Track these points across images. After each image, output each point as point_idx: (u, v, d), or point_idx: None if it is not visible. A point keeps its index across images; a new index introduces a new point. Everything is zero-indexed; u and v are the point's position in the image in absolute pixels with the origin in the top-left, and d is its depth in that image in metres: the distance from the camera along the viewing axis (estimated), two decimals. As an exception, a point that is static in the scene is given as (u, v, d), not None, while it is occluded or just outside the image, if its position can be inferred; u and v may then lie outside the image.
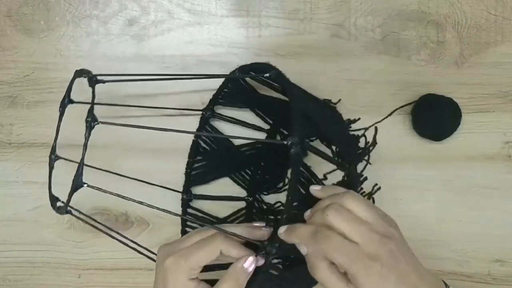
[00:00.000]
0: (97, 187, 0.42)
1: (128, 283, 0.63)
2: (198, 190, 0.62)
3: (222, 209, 0.62)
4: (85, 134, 0.41)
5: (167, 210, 0.44)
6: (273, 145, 0.62)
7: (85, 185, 0.42)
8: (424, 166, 0.60)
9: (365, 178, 0.57)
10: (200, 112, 0.61)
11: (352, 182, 0.54)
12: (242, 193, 0.62)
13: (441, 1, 0.60)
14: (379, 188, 0.58)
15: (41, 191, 0.63)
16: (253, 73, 0.55)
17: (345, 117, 0.60)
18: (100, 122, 0.42)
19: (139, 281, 0.62)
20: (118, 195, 0.43)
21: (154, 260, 0.47)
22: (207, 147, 0.62)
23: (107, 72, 0.62)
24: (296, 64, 0.61)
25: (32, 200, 0.63)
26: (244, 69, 0.55)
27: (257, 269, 0.44)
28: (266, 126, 0.62)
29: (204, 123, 0.61)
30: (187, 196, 0.61)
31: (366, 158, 0.58)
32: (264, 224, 0.49)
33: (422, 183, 0.60)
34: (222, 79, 0.59)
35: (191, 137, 0.62)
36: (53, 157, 0.47)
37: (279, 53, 0.62)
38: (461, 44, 0.61)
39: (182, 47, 0.62)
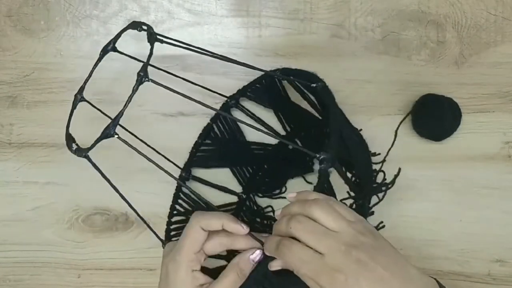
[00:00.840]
0: (127, 142, 0.41)
1: (128, 283, 0.63)
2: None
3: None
4: (133, 87, 0.40)
5: (169, 173, 0.44)
6: (282, 151, 0.61)
7: (116, 136, 0.41)
8: (424, 166, 0.60)
9: (372, 213, 0.56)
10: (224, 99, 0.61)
11: (361, 213, 0.54)
12: (238, 189, 0.62)
13: (441, 1, 0.61)
14: (384, 226, 0.57)
15: (41, 191, 0.63)
16: (293, 78, 0.55)
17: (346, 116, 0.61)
18: (150, 80, 0.41)
19: (139, 281, 0.62)
20: (141, 153, 0.43)
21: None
22: (219, 134, 0.62)
23: (107, 71, 0.63)
24: (296, 64, 0.61)
25: (32, 200, 0.63)
26: (288, 72, 0.55)
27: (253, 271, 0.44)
28: (282, 132, 0.62)
29: (225, 110, 0.61)
30: (186, 175, 0.61)
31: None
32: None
33: (422, 183, 0.60)
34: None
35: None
36: (79, 97, 0.46)
37: (279, 53, 0.62)
38: (461, 44, 0.61)
39: (182, 47, 0.62)
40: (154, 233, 0.49)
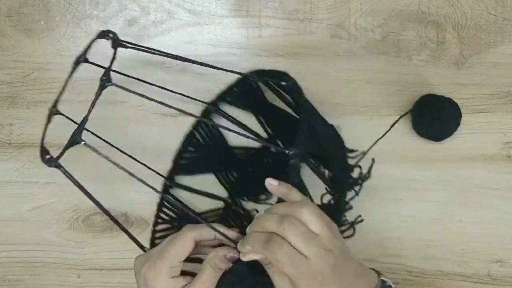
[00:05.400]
0: (94, 148, 0.41)
1: (128, 283, 0.63)
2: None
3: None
4: (96, 91, 0.41)
5: (150, 185, 0.44)
6: (266, 154, 0.61)
7: (83, 142, 0.41)
8: (424, 166, 0.60)
9: (351, 207, 0.58)
10: (202, 104, 0.61)
11: (338, 208, 0.55)
12: (224, 194, 0.62)
13: (441, 1, 0.61)
14: (362, 220, 0.59)
15: (41, 191, 0.63)
16: (269, 79, 0.55)
17: (345, 117, 0.61)
18: (113, 84, 0.41)
19: (139, 281, 0.62)
20: (114, 162, 0.43)
21: None
22: (201, 141, 0.62)
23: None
24: (296, 64, 0.61)
25: (32, 200, 0.63)
26: (261, 74, 0.55)
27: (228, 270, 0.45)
28: (264, 135, 0.62)
29: (206, 116, 0.61)
30: (169, 183, 0.61)
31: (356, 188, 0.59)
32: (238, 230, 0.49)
33: (422, 183, 0.60)
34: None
35: (177, 139, 0.61)
36: (53, 110, 0.46)
37: (279, 53, 0.62)
38: (461, 45, 0.61)
39: (182, 47, 0.62)
40: (136, 241, 0.49)
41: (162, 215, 0.61)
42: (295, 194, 0.44)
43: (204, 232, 0.45)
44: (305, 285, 0.40)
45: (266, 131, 0.62)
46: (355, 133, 0.60)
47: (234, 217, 0.62)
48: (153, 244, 0.59)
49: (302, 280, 0.40)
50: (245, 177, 0.62)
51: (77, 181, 0.44)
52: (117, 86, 0.41)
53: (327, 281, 0.40)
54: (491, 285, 0.59)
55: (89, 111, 0.41)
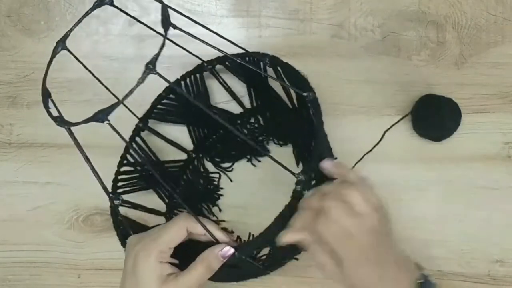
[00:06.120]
0: (117, 131, 0.40)
1: (128, 283, 0.63)
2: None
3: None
4: (139, 78, 0.39)
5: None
6: (241, 123, 0.62)
7: (107, 121, 0.40)
8: (424, 166, 0.60)
9: None
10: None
11: None
12: (191, 148, 0.62)
13: (441, 1, 0.61)
14: None
15: (41, 191, 0.63)
16: (280, 69, 0.55)
17: (345, 117, 0.61)
18: (157, 73, 0.40)
19: (139, 281, 0.62)
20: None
21: None
22: (184, 90, 0.61)
23: (107, 72, 0.63)
24: (296, 64, 0.61)
25: (32, 200, 0.63)
26: (276, 62, 0.55)
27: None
28: (248, 105, 0.62)
29: (198, 72, 0.60)
30: (142, 125, 0.60)
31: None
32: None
33: (422, 183, 0.60)
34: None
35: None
36: (60, 44, 0.45)
37: (279, 53, 0.61)
38: (461, 45, 0.61)
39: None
40: (103, 185, 0.47)
41: (128, 156, 0.59)
42: (351, 175, 0.45)
43: (198, 226, 0.46)
44: (352, 261, 0.42)
45: (252, 103, 0.62)
46: (355, 133, 0.61)
47: (193, 172, 0.62)
48: (115, 187, 0.58)
49: (349, 256, 0.42)
50: (214, 137, 0.62)
51: (83, 151, 0.42)
52: (160, 76, 0.40)
53: (371, 258, 0.42)
54: (491, 285, 0.59)
55: (126, 96, 0.40)
